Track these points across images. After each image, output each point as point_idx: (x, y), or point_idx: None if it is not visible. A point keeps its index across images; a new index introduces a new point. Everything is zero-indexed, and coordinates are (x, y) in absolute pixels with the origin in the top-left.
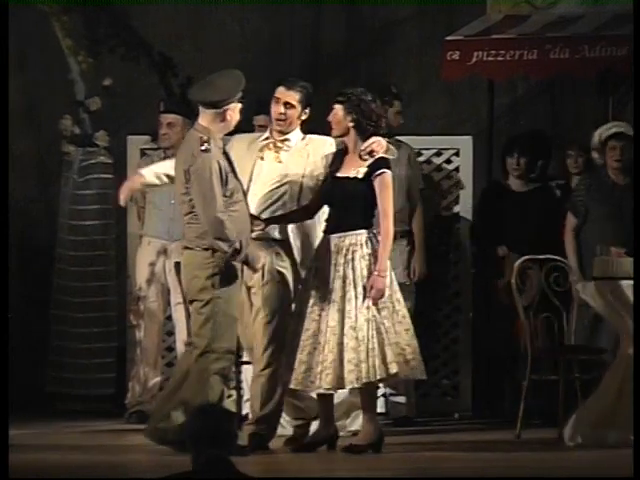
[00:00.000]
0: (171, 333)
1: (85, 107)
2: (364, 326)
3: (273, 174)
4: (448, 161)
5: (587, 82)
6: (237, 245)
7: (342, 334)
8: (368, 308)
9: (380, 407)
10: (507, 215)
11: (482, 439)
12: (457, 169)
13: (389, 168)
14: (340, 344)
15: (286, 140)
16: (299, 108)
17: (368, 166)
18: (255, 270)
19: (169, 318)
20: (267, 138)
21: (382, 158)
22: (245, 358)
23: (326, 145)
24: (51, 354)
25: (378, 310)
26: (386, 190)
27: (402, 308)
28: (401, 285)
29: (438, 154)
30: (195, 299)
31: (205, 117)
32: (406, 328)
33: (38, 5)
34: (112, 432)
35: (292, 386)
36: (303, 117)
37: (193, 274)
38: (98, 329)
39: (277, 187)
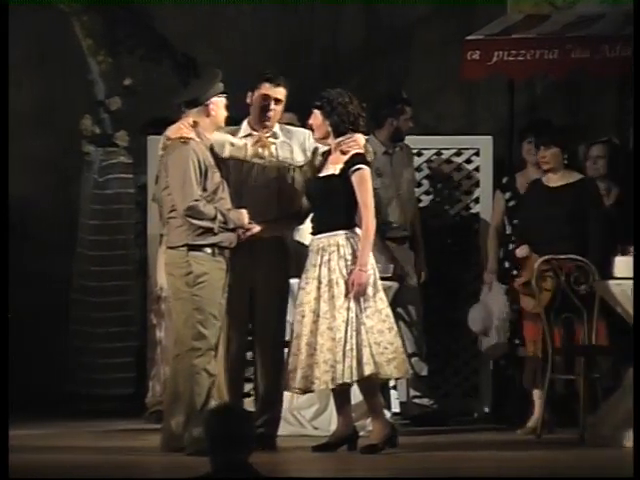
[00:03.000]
0: None
1: (105, 107)
2: (342, 327)
3: (272, 170)
4: (468, 161)
5: (607, 81)
6: (220, 217)
7: (316, 335)
8: (348, 309)
9: (395, 407)
10: (537, 213)
11: (502, 439)
12: (477, 169)
13: (367, 164)
14: (309, 345)
15: (274, 135)
16: (284, 103)
17: (345, 162)
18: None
19: None
20: (248, 135)
21: (359, 154)
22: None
23: (305, 135)
24: (71, 354)
25: (361, 309)
26: (364, 185)
27: (385, 307)
28: (409, 287)
29: (458, 154)
30: (174, 298)
31: (192, 115)
32: (389, 327)
33: (59, 5)
34: (131, 432)
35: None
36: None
37: (170, 273)
38: (118, 329)
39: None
